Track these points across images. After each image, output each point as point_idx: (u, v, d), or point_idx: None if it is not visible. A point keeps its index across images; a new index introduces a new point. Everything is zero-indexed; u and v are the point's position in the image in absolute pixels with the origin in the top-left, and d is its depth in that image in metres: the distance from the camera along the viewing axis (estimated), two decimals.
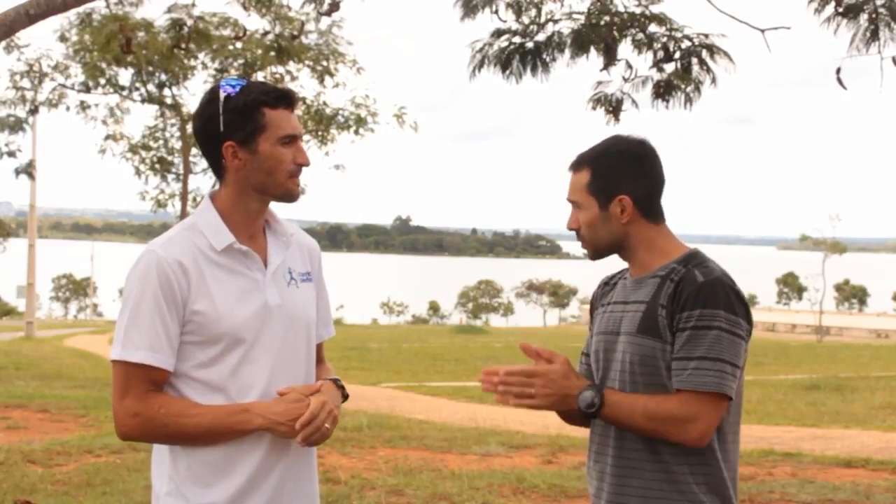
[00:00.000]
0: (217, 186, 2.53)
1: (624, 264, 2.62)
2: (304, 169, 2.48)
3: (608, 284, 2.66)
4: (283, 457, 2.45)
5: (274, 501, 2.45)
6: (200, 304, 2.38)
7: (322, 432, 2.39)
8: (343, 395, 2.53)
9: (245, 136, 2.42)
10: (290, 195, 2.48)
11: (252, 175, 2.44)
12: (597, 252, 2.57)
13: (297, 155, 2.46)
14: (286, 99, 2.46)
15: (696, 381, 2.34)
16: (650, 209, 2.53)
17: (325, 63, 20.51)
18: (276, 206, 2.56)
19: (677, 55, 7.50)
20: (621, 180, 2.51)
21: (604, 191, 2.51)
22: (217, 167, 2.48)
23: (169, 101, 21.12)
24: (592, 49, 7.51)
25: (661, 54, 7.54)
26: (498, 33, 7.64)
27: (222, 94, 2.42)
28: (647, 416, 2.36)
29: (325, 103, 21.55)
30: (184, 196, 21.22)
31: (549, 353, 2.46)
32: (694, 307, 2.37)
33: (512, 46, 7.60)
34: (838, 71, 7.13)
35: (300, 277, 2.55)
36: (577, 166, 2.57)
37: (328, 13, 8.08)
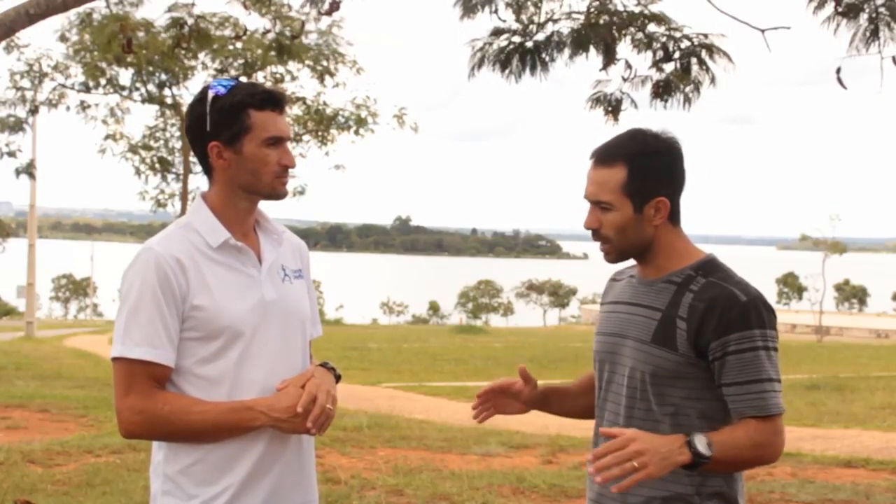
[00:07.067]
0: (208, 185, 2.56)
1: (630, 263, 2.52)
2: (296, 169, 2.50)
3: (615, 280, 2.58)
4: (283, 451, 2.46)
5: (275, 495, 2.46)
6: (200, 298, 2.39)
7: (326, 413, 2.41)
8: (336, 376, 2.55)
9: (230, 137, 2.44)
10: (277, 194, 2.50)
11: (237, 175, 2.46)
12: (621, 256, 2.41)
13: (283, 156, 2.47)
14: (273, 101, 2.47)
15: (762, 406, 2.30)
16: (677, 211, 2.40)
17: (325, 63, 20.51)
18: (270, 205, 2.59)
19: (677, 55, 7.50)
20: (661, 182, 2.34)
21: (641, 192, 2.33)
22: (205, 166, 2.51)
23: (169, 101, 21.13)
24: (592, 49, 7.51)
25: (660, 54, 7.54)
26: (497, 32, 7.64)
27: (211, 94, 2.45)
28: (753, 444, 2.28)
29: (325, 103, 21.59)
30: (184, 196, 21.22)
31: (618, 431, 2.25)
32: (731, 331, 2.28)
33: (511, 46, 7.59)
34: (838, 71, 7.12)
35: (293, 274, 2.58)
36: (608, 160, 2.35)
37: (328, 13, 8.06)
